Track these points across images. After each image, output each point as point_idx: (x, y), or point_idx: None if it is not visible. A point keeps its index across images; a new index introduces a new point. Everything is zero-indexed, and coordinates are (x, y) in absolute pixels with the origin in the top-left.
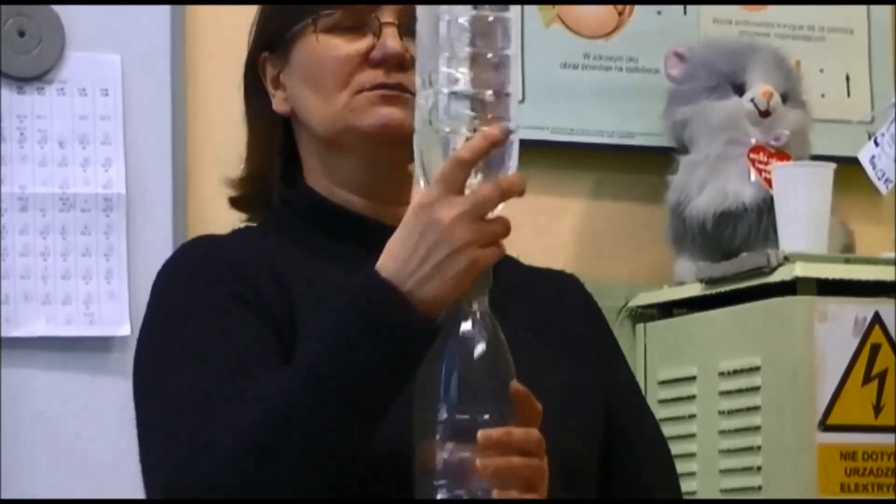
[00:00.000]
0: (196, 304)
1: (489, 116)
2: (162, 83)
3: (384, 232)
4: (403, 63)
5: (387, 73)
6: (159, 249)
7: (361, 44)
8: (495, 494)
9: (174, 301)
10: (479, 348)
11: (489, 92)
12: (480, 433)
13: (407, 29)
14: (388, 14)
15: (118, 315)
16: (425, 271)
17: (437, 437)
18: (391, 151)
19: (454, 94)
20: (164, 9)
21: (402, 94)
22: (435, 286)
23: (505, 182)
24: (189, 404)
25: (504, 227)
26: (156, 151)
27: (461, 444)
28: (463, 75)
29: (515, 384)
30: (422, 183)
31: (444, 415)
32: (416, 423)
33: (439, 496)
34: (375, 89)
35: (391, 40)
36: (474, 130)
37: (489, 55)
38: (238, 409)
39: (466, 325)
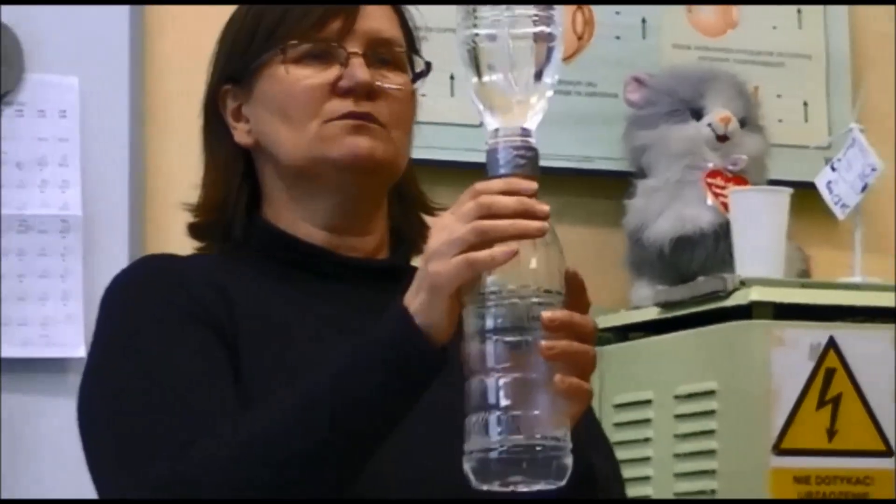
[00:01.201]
0: (145, 320)
1: None
2: (120, 106)
3: (338, 262)
4: (372, 92)
5: (356, 102)
6: (115, 272)
7: (329, 73)
8: (557, 379)
9: (123, 316)
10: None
11: None
12: (545, 313)
13: (373, 59)
14: (354, 45)
15: (74, 337)
16: (416, 286)
17: (488, 323)
18: (360, 181)
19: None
20: (123, 32)
21: (371, 125)
22: (424, 299)
23: (480, 185)
24: (145, 422)
25: (472, 233)
26: (113, 174)
27: (513, 330)
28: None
29: (572, 268)
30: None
31: (492, 299)
32: (464, 320)
33: (501, 381)
34: (345, 118)
35: (359, 70)
36: None
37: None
38: (196, 428)
39: None
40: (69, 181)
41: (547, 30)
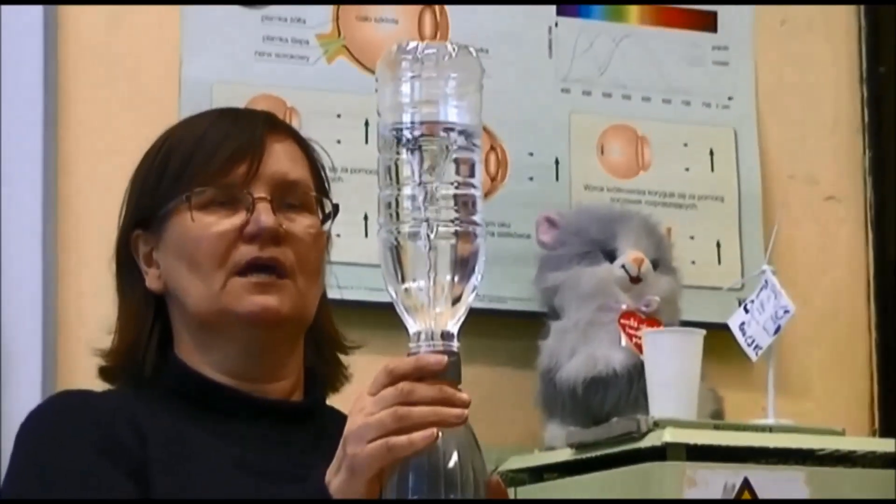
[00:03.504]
0: (59, 456)
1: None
2: (33, 240)
3: (250, 403)
4: (277, 237)
5: (261, 247)
6: (28, 403)
7: (236, 219)
8: None
9: (37, 452)
10: (449, 442)
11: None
12: None
13: (280, 203)
14: (260, 189)
15: None
16: (337, 465)
17: None
18: (266, 336)
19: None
20: (36, 165)
21: (276, 281)
22: (344, 479)
23: (392, 364)
24: None
25: (391, 419)
26: (26, 310)
27: None
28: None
29: (494, 477)
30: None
31: None
32: None
33: None
34: (250, 269)
35: (265, 215)
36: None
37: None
38: None
39: None
40: None
41: (470, 229)
